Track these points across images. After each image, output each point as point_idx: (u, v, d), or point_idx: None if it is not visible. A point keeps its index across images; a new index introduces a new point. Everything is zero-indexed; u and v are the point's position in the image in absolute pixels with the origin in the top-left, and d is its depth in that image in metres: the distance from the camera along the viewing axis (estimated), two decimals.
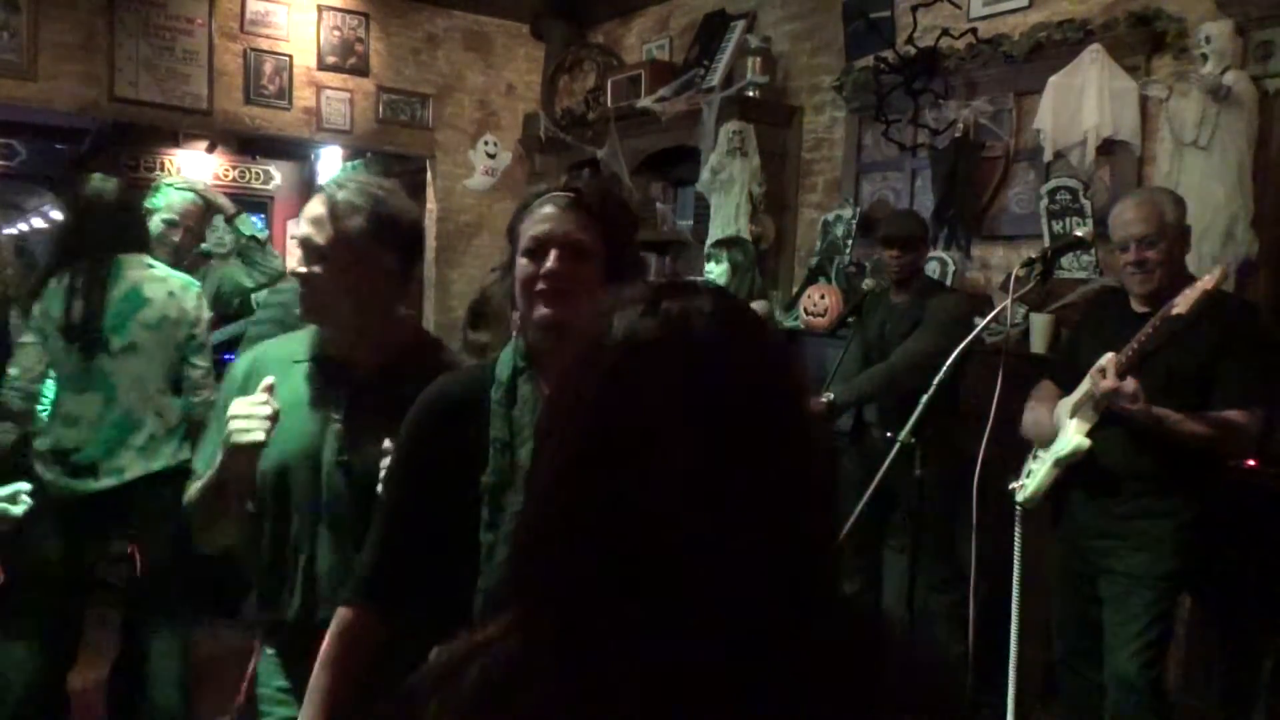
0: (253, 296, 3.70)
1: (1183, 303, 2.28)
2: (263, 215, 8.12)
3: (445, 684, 0.71)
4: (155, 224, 3.27)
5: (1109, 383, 2.33)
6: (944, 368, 2.12)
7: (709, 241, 4.34)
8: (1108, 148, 3.34)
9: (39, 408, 2.82)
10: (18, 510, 2.09)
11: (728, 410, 0.64)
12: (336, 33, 5.63)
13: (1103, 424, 2.44)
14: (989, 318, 2.30)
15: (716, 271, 3.94)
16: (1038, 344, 3.34)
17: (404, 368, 1.61)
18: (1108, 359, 2.37)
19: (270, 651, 1.69)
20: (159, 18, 5.12)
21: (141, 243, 2.91)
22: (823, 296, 4.01)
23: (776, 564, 0.64)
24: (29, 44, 4.79)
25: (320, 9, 5.57)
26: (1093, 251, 3.33)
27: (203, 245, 3.80)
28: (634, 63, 5.52)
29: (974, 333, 2.16)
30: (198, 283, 3.00)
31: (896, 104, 3.98)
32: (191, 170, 7.81)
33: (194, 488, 1.68)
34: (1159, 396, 2.33)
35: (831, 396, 3.23)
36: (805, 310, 4.05)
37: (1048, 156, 3.52)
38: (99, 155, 7.49)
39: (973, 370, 2.68)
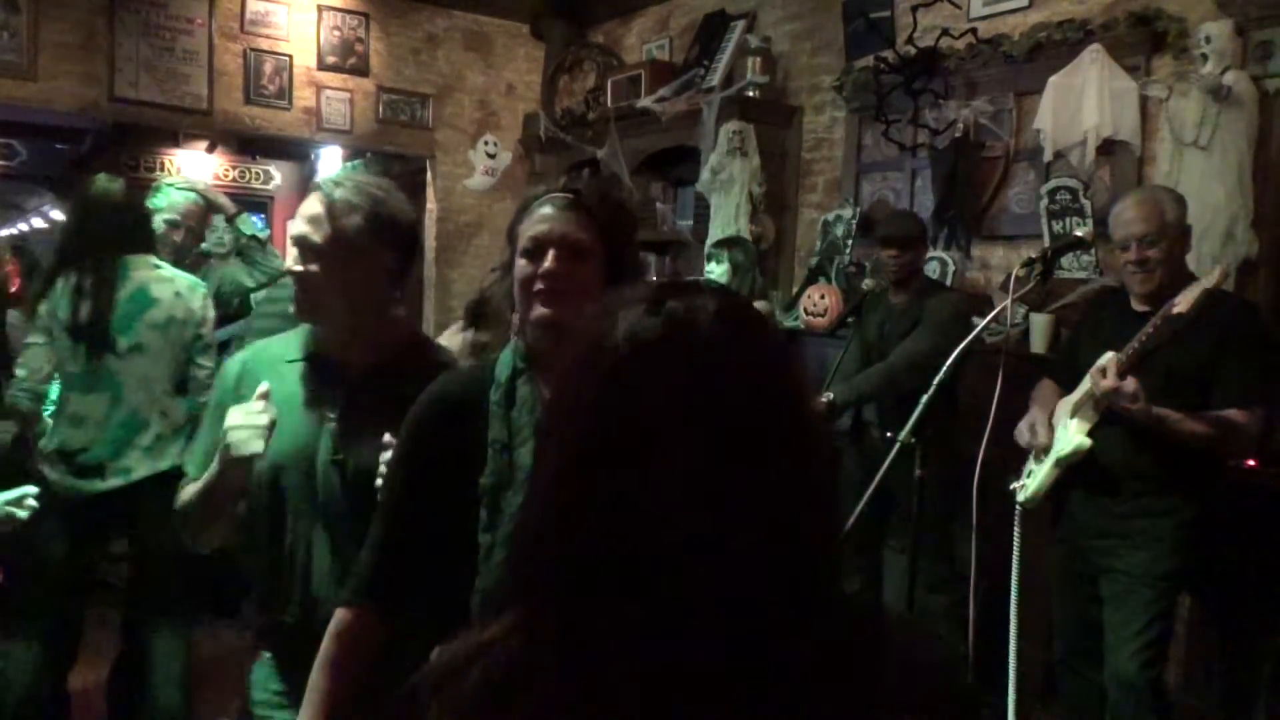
0: (251, 296, 3.71)
1: (1183, 301, 2.28)
2: (263, 215, 8.13)
3: (447, 684, 0.71)
4: (157, 224, 3.27)
5: (1109, 382, 2.33)
6: (944, 368, 2.11)
7: (709, 241, 4.34)
8: (1108, 148, 3.35)
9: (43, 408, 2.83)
10: (23, 515, 2.09)
11: (729, 410, 0.64)
12: (336, 33, 5.63)
13: (1103, 423, 2.44)
14: (989, 318, 2.29)
15: (718, 272, 3.94)
16: (1038, 344, 3.34)
17: (399, 367, 1.60)
18: (1108, 358, 2.37)
19: (266, 655, 1.68)
20: (159, 18, 5.12)
21: (147, 243, 2.92)
22: (823, 296, 4.01)
23: (776, 564, 0.64)
24: (29, 44, 4.80)
25: (320, 9, 5.57)
26: (1093, 251, 3.33)
27: (202, 245, 3.80)
28: (634, 63, 5.52)
29: (974, 333, 2.16)
30: (204, 283, 3.01)
31: (896, 104, 3.98)
32: (191, 170, 7.81)
33: (186, 492, 1.67)
34: (1159, 396, 2.33)
35: (831, 396, 3.23)
36: (805, 310, 4.05)
37: (1048, 156, 3.52)
38: (99, 155, 7.49)
39: (973, 370, 2.68)
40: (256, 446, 1.48)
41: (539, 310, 1.29)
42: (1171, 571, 2.44)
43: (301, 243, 1.59)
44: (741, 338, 0.68)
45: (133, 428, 2.73)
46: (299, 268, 1.59)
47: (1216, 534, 2.52)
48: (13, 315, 3.35)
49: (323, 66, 5.60)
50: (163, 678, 2.78)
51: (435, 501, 1.35)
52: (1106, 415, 2.42)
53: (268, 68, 5.44)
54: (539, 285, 1.29)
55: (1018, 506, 2.51)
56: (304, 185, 8.54)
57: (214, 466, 1.56)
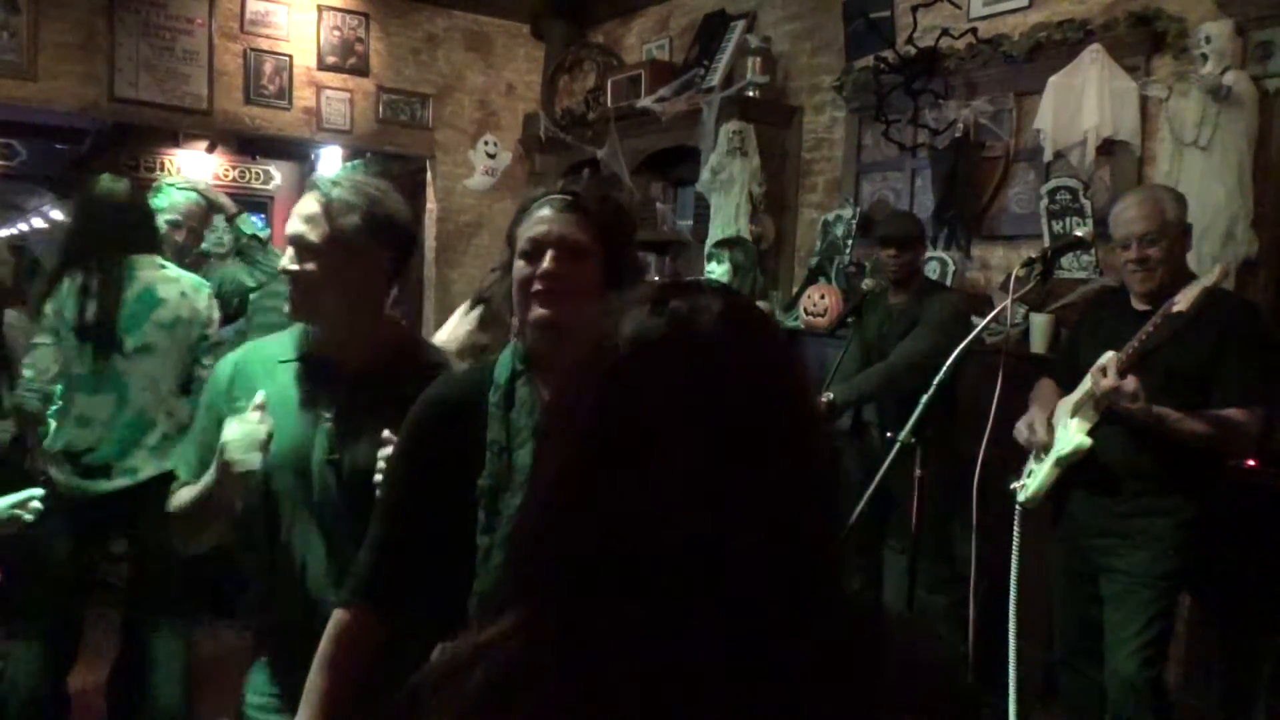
0: (250, 295, 3.71)
1: (1183, 300, 2.28)
2: (263, 215, 8.12)
3: (447, 684, 0.71)
4: (159, 224, 3.27)
5: (1109, 381, 2.33)
6: (944, 368, 2.11)
7: (709, 242, 4.34)
8: (1108, 148, 3.34)
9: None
10: (28, 517, 2.09)
11: (730, 410, 0.64)
12: (336, 33, 5.63)
13: (1103, 423, 2.44)
14: (989, 318, 2.29)
15: (718, 272, 3.94)
16: (1038, 344, 3.34)
17: (394, 367, 1.60)
18: (1108, 358, 2.37)
19: (262, 659, 1.67)
20: (159, 18, 5.12)
21: (152, 243, 2.92)
22: (823, 296, 4.01)
23: (777, 564, 0.64)
24: (29, 44, 4.80)
25: (320, 9, 5.57)
26: (1093, 251, 3.33)
27: (202, 245, 3.80)
28: (634, 63, 5.51)
29: (974, 333, 2.16)
30: (208, 283, 3.01)
31: (896, 104, 3.98)
32: (191, 170, 7.81)
33: (179, 496, 1.67)
34: (1159, 395, 2.33)
35: (831, 396, 3.23)
36: (805, 310, 4.05)
37: (1048, 156, 3.52)
38: (99, 155, 7.49)
39: (972, 370, 2.67)
40: (255, 461, 1.48)
41: (537, 311, 1.28)
42: (1171, 571, 2.44)
43: (298, 242, 1.58)
44: (744, 338, 0.68)
45: (139, 428, 2.73)
46: (295, 267, 1.58)
47: (1216, 534, 2.52)
48: (10, 315, 3.35)
49: (323, 66, 5.60)
50: (163, 678, 2.78)
51: (434, 502, 1.34)
52: (1107, 415, 2.42)
53: (268, 68, 5.44)
54: (537, 286, 1.28)
55: (1018, 506, 2.51)
56: (304, 185, 8.52)
57: (210, 476, 1.54)
